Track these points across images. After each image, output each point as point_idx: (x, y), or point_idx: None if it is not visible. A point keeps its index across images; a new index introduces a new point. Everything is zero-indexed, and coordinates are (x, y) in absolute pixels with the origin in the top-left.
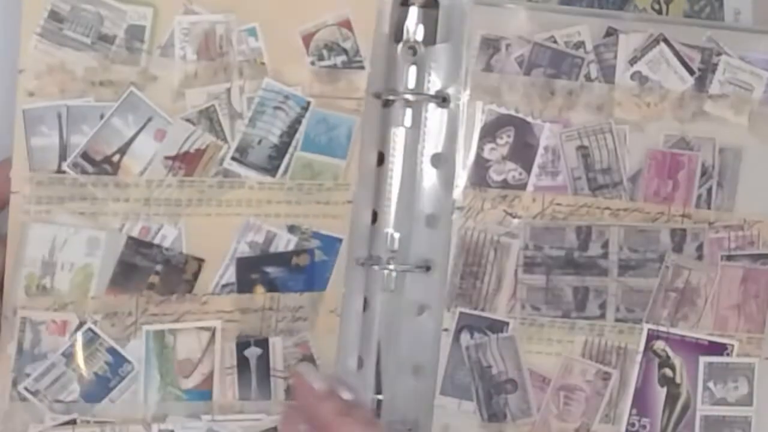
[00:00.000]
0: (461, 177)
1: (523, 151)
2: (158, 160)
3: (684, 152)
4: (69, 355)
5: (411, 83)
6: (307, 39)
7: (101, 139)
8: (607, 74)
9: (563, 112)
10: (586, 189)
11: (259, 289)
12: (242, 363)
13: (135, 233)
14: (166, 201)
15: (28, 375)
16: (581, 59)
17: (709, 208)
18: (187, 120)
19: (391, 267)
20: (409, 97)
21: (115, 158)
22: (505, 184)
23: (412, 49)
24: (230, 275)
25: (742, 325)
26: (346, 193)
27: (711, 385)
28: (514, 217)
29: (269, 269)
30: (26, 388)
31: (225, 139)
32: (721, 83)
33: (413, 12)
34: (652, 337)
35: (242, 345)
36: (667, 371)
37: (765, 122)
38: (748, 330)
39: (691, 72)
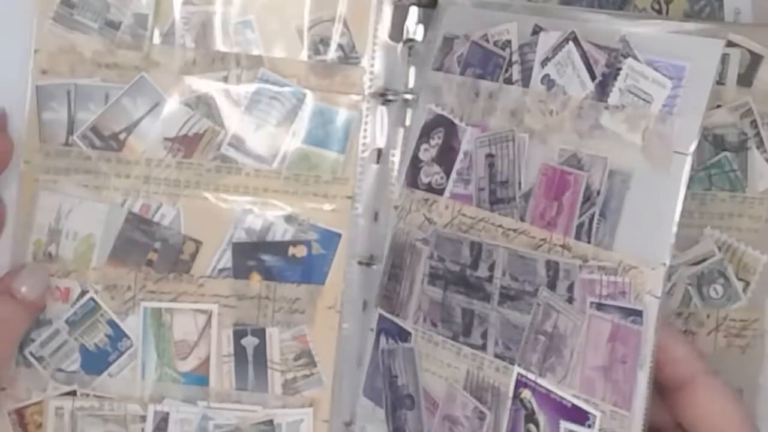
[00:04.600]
0: (401, 176)
1: (447, 155)
2: (158, 141)
3: (573, 171)
4: (72, 323)
5: (411, 83)
6: (302, 33)
7: (111, 116)
8: (526, 77)
9: (485, 115)
10: (486, 202)
11: (255, 276)
12: (239, 352)
13: (136, 209)
14: (165, 180)
15: (33, 340)
16: (504, 59)
17: (588, 241)
18: (186, 104)
19: None
20: (409, 96)
21: (122, 136)
22: (428, 188)
23: (412, 48)
24: (227, 260)
25: (608, 395)
26: (345, 187)
27: None
28: (431, 223)
29: (265, 257)
30: (31, 353)
31: (222, 125)
32: (621, 92)
33: (413, 12)
34: (520, 383)
35: (239, 333)
36: (532, 427)
37: (660, 142)
38: (614, 402)
39: (593, 77)
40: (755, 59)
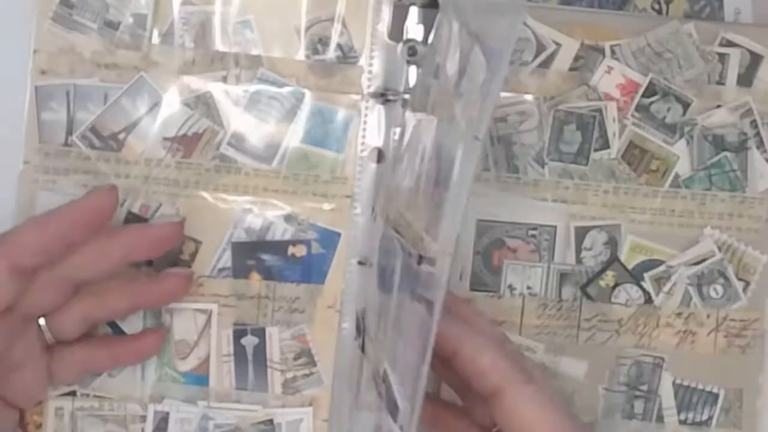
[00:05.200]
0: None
1: (409, 153)
2: (158, 140)
3: (436, 162)
4: None
5: (411, 83)
6: (301, 33)
7: (110, 116)
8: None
9: (426, 111)
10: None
11: (255, 276)
12: (239, 352)
13: (135, 209)
14: (165, 180)
15: None
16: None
17: (430, 233)
18: (185, 104)
19: None
20: (408, 96)
21: (121, 136)
22: (396, 186)
23: (412, 49)
24: (226, 259)
25: (408, 390)
26: (344, 187)
27: None
28: (390, 221)
29: (265, 256)
30: None
31: (221, 125)
32: (467, 80)
33: (413, 12)
34: (384, 379)
35: (239, 333)
36: (383, 424)
37: (471, 128)
38: (408, 398)
39: (460, 66)
40: (755, 59)
